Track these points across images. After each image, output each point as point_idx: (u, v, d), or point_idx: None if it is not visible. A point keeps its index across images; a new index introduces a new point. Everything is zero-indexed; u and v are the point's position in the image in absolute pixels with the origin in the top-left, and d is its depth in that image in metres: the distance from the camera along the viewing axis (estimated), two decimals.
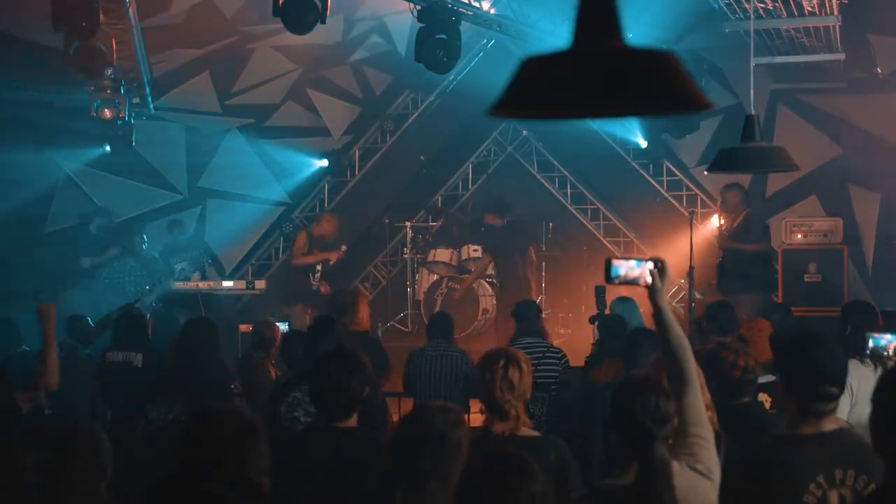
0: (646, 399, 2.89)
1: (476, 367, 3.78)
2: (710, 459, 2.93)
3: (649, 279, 2.91)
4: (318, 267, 10.02)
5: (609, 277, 2.89)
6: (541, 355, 6.44)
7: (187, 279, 10.13)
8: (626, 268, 2.91)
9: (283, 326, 6.99)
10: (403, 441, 2.95)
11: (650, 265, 2.91)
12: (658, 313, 2.95)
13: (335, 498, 3.43)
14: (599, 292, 7.57)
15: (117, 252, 10.16)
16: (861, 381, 4.13)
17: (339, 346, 3.91)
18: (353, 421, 3.72)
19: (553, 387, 6.32)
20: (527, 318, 6.71)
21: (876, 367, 4.40)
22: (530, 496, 2.42)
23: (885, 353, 4.16)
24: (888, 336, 4.16)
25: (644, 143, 12.09)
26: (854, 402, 4.23)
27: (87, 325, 7.64)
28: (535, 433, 3.79)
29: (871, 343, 4.16)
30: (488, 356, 3.74)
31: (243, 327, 8.31)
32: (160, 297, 9.89)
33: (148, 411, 5.45)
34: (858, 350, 4.32)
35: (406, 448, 2.92)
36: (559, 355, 6.59)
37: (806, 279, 9.96)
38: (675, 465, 2.82)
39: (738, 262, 8.84)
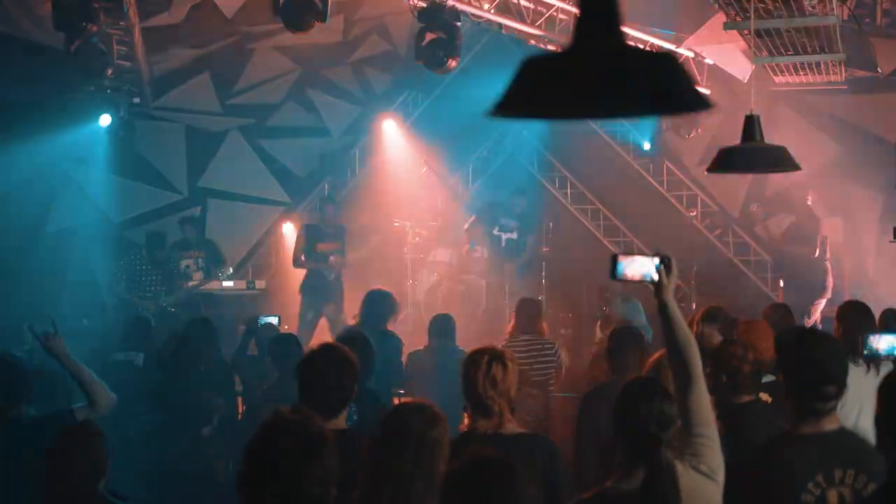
0: (650, 402, 2.88)
1: (461, 366, 3.75)
2: (715, 459, 2.92)
3: (655, 276, 2.90)
4: (332, 258, 10.06)
5: (615, 274, 2.87)
6: (536, 353, 6.46)
7: (189, 278, 10.14)
8: (632, 264, 2.89)
9: (273, 320, 7.02)
10: (384, 443, 2.93)
11: (656, 262, 2.90)
12: (664, 311, 2.92)
13: None
14: (602, 292, 7.57)
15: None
16: (851, 381, 4.14)
17: (328, 344, 3.86)
18: (341, 420, 3.67)
19: (551, 383, 6.33)
20: (527, 315, 6.71)
21: (868, 367, 4.41)
22: (510, 498, 2.38)
23: (878, 354, 4.18)
24: (887, 337, 4.18)
25: (647, 146, 12.09)
26: (843, 403, 4.24)
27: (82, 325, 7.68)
28: (521, 430, 3.71)
29: (869, 344, 4.18)
30: (473, 354, 3.72)
31: (243, 327, 8.32)
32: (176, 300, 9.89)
33: (125, 426, 5.43)
34: (852, 350, 4.32)
35: (387, 450, 2.90)
36: (552, 350, 6.60)
37: None
38: (679, 467, 2.81)
39: (784, 263, 9.03)
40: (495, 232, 10.66)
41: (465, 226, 11.12)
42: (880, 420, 2.44)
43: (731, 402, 3.98)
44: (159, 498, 5.13)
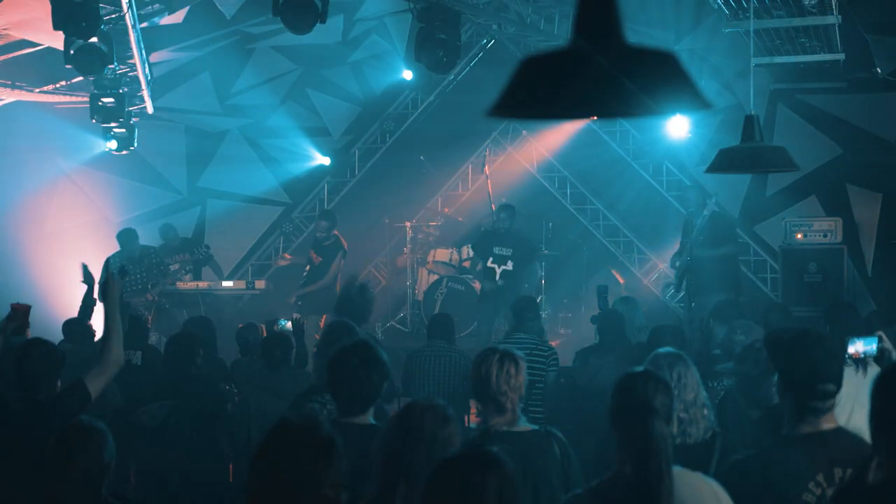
0: (645, 386, 2.95)
1: (472, 365, 3.78)
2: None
3: None
4: (308, 266, 10.09)
5: None
6: (528, 352, 6.42)
7: (180, 280, 10.15)
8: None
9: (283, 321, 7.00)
10: (396, 442, 2.93)
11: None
12: None
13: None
14: (601, 292, 7.55)
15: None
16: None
17: (359, 341, 3.89)
18: (368, 416, 3.72)
19: (538, 384, 6.27)
20: (523, 315, 6.68)
21: (857, 367, 4.41)
22: (497, 495, 2.31)
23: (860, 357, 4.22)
24: (860, 341, 4.24)
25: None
26: (836, 401, 4.25)
27: (82, 327, 7.67)
28: (534, 427, 3.76)
29: (849, 347, 4.23)
30: (484, 353, 3.77)
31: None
32: (163, 293, 9.90)
33: (138, 416, 5.39)
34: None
35: (399, 449, 2.91)
36: (546, 353, 6.50)
37: (806, 279, 9.95)
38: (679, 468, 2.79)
39: (702, 262, 8.84)
40: (489, 264, 9.54)
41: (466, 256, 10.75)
42: (874, 417, 2.43)
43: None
44: (173, 487, 5.11)
